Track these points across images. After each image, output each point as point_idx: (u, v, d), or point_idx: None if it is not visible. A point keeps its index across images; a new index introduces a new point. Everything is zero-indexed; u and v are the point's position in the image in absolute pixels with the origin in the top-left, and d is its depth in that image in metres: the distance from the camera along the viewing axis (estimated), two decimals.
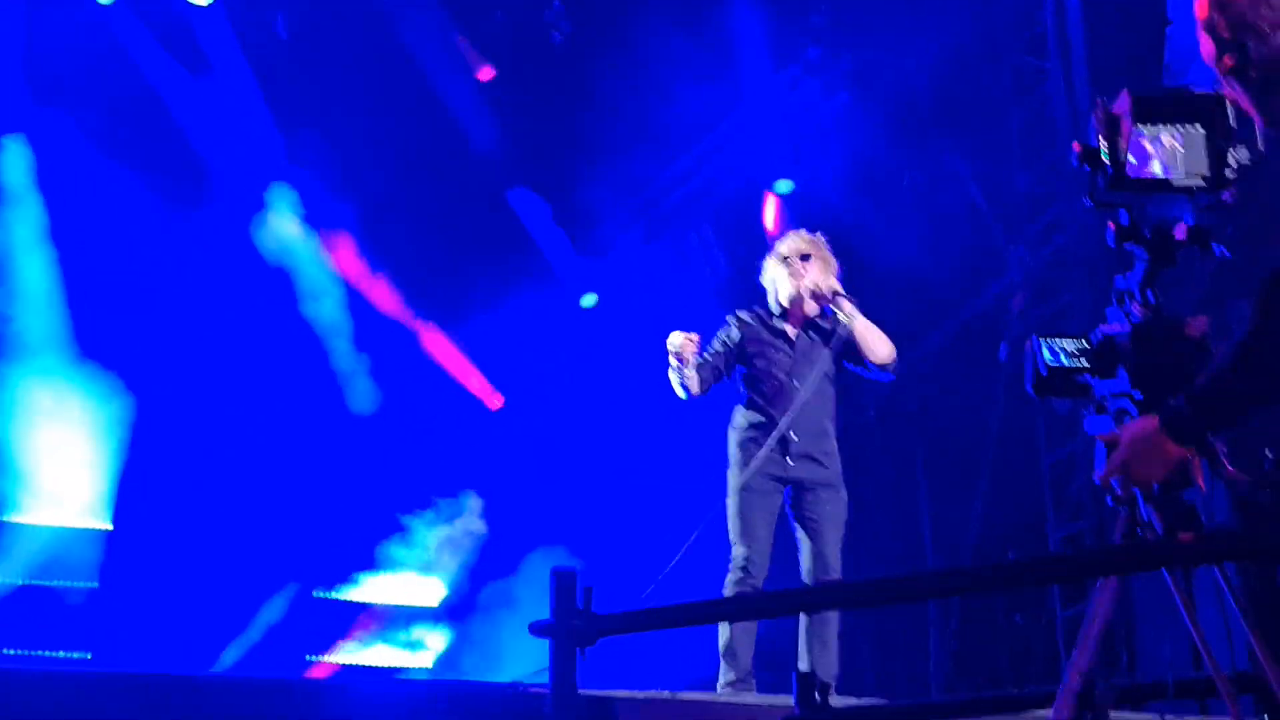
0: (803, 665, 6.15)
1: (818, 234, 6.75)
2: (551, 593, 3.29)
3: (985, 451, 10.75)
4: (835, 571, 6.28)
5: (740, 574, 6.26)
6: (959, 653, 10.97)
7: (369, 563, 11.34)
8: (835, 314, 6.47)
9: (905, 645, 11.50)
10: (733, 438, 6.52)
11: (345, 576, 11.32)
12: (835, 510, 6.36)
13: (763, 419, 6.42)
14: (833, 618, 6.23)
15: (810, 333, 6.56)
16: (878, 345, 6.44)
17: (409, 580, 11.41)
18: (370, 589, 11.36)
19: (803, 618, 6.18)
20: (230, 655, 10.40)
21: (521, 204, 12.04)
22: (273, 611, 10.81)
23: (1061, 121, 9.90)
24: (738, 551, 6.28)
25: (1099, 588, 3.32)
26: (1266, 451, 2.92)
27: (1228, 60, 2.93)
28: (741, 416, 6.53)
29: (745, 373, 6.57)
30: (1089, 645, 3.31)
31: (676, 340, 6.35)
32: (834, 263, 6.66)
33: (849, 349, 6.46)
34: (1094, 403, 3.37)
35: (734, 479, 6.39)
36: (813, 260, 6.58)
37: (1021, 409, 10.26)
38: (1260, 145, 3.18)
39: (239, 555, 10.48)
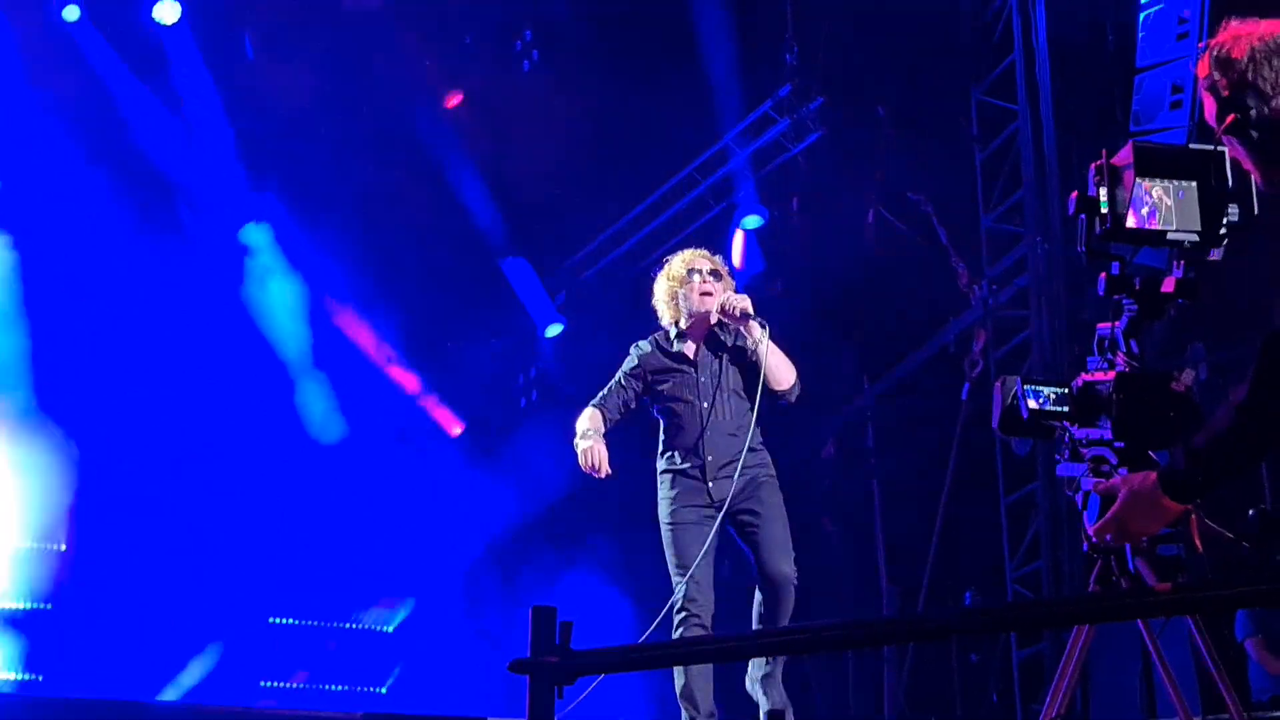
0: (762, 704, 6.08)
1: (717, 254, 6.67)
2: (530, 629, 3.27)
3: (943, 489, 10.79)
4: (786, 576, 6.12)
5: (684, 611, 6.12)
6: (913, 689, 10.99)
7: (326, 588, 11.25)
8: (744, 334, 6.27)
9: (860, 681, 11.52)
10: (658, 469, 6.37)
11: (301, 602, 11.22)
12: (770, 508, 6.16)
13: (679, 444, 6.28)
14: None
15: (711, 349, 6.39)
16: (781, 372, 6.23)
17: (366, 606, 11.34)
18: (326, 615, 11.27)
19: None
20: (185, 680, 10.29)
21: (488, 231, 12.00)
22: (228, 637, 10.71)
23: (1027, 164, 9.98)
24: (678, 587, 6.09)
25: (1074, 635, 3.34)
26: (1250, 511, 2.95)
27: (1229, 119, 2.96)
28: (661, 445, 6.38)
29: (655, 402, 6.42)
30: (1062, 692, 3.32)
31: (592, 460, 6.23)
32: (734, 284, 6.60)
33: (753, 372, 6.25)
34: (1067, 447, 3.38)
35: (663, 512, 6.23)
36: (722, 279, 6.51)
37: (981, 448, 10.33)
38: (1255, 203, 3.22)
39: (194, 579, 10.37)
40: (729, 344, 6.36)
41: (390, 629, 11.48)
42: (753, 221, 11.46)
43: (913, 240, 10.99)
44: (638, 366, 6.45)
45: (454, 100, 11.83)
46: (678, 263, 6.51)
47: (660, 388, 6.40)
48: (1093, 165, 3.33)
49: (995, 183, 10.52)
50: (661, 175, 11.89)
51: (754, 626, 6.15)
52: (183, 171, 10.87)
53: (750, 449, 6.28)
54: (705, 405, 6.28)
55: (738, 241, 11.55)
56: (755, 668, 6.14)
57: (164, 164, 10.80)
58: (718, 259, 6.55)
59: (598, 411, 6.40)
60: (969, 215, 10.68)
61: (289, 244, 11.38)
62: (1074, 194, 3.36)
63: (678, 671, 6.10)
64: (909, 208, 11.00)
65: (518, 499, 11.48)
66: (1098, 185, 3.31)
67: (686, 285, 6.43)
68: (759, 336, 6.21)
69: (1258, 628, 8.21)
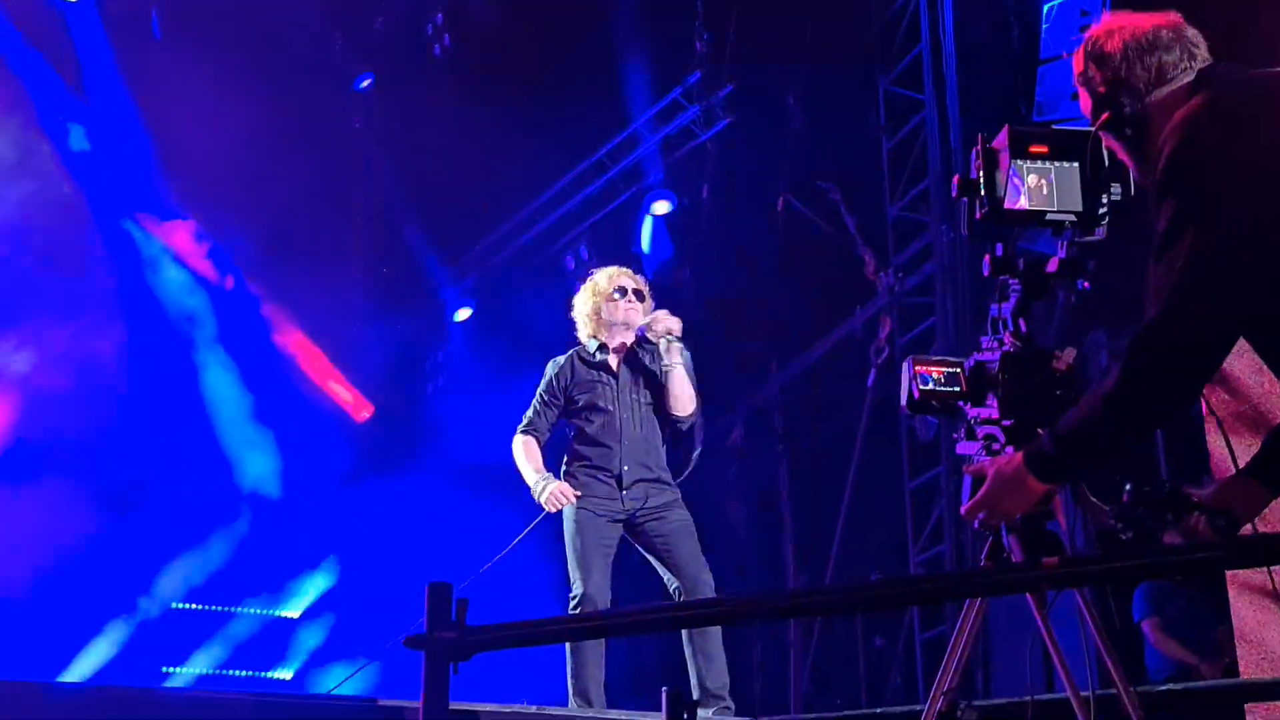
0: (692, 680, 6.13)
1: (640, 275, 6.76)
2: (426, 606, 3.26)
3: (848, 475, 10.88)
4: (706, 583, 6.22)
5: (579, 610, 6.10)
6: (818, 674, 11.08)
7: (230, 573, 11.14)
8: (660, 353, 6.38)
9: (766, 667, 11.60)
10: (564, 473, 6.42)
11: (207, 586, 11.12)
12: (680, 524, 6.26)
13: (593, 452, 6.35)
14: (714, 630, 6.17)
15: (630, 366, 6.49)
16: (683, 398, 6.35)
17: (270, 591, 11.25)
18: (231, 600, 11.17)
19: (685, 633, 6.13)
20: (85, 664, 10.17)
21: (398, 215, 11.94)
22: (130, 621, 10.59)
23: (933, 153, 10.07)
24: (575, 590, 6.16)
25: (965, 610, 3.39)
26: (1126, 485, 3.01)
27: (1104, 115, 3.00)
28: (572, 452, 6.45)
29: (571, 414, 6.49)
30: (954, 665, 3.37)
31: (559, 502, 6.26)
32: (653, 306, 6.67)
33: (660, 391, 6.41)
34: (965, 425, 3.44)
35: (570, 511, 6.26)
36: (645, 300, 6.59)
37: (885, 434, 10.43)
38: (1132, 186, 3.28)
39: (96, 563, 10.23)
40: (646, 363, 6.47)
41: (296, 614, 11.39)
42: (662, 207, 11.48)
43: (820, 228, 11.06)
44: (555, 382, 6.54)
45: (364, 83, 11.75)
46: (603, 279, 6.63)
47: (579, 399, 6.47)
48: (974, 149, 3.39)
49: (902, 172, 10.61)
50: (571, 160, 11.89)
51: (685, 642, 6.21)
52: (87, 154, 10.68)
53: (661, 467, 6.36)
54: (624, 417, 6.37)
55: (647, 227, 11.58)
56: (688, 655, 6.17)
57: (64, 145, 10.61)
58: (640, 279, 6.68)
59: (531, 439, 6.50)
60: (876, 204, 10.78)
61: (194, 228, 11.25)
62: (955, 178, 3.42)
63: (570, 670, 6.11)
64: (817, 196, 11.06)
65: (427, 482, 11.44)
66: (978, 168, 3.37)
67: (611, 302, 6.51)
68: (673, 361, 6.30)
69: (1153, 610, 8.37)
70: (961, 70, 9.84)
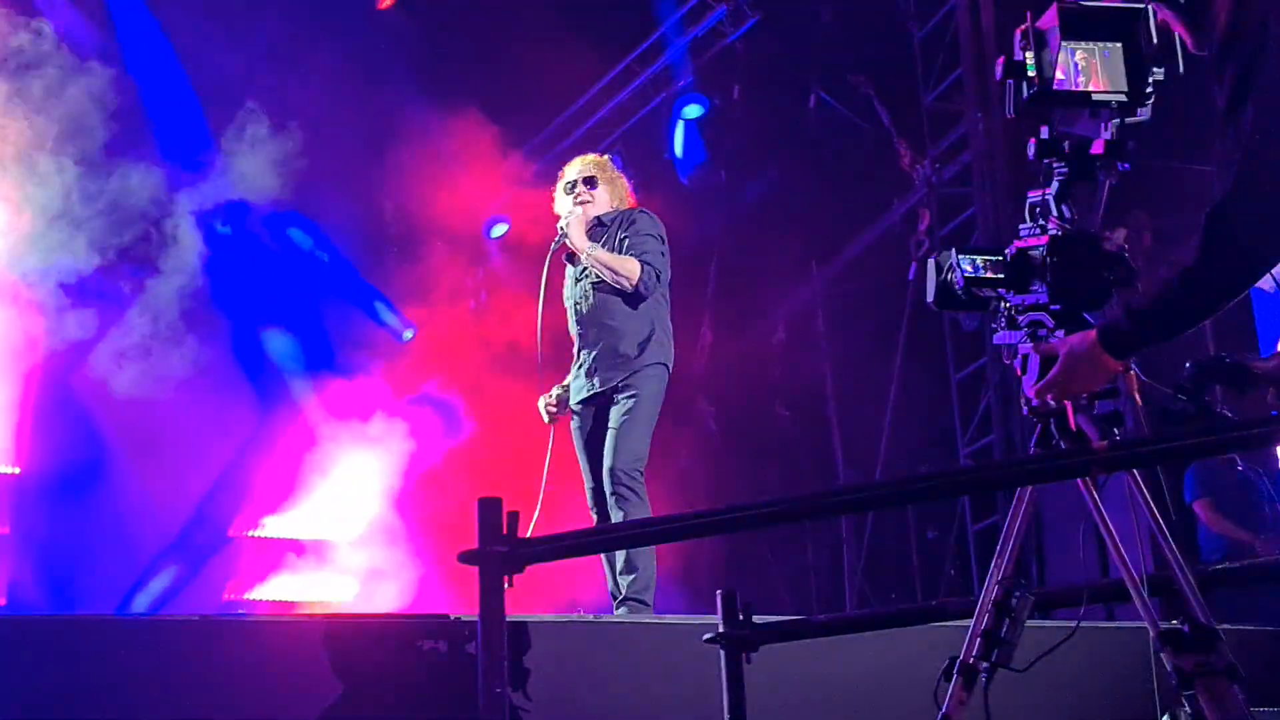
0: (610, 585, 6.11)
1: (605, 155, 6.65)
2: (478, 521, 3.28)
3: (893, 370, 10.86)
4: (614, 474, 5.94)
5: (591, 507, 6.15)
6: (872, 569, 11.13)
7: (286, 499, 11.23)
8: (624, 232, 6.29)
9: (820, 564, 11.66)
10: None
11: (262, 513, 11.20)
12: (619, 410, 6.07)
13: (573, 345, 6.35)
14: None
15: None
16: (620, 277, 6.16)
17: (327, 515, 11.31)
18: (288, 525, 11.25)
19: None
20: (146, 596, 10.30)
21: (427, 132, 11.86)
22: (190, 551, 10.71)
23: (965, 40, 9.93)
24: (586, 486, 6.19)
25: (1017, 499, 3.38)
26: (1186, 364, 2.99)
27: None
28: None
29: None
30: (1007, 555, 3.36)
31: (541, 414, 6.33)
32: (623, 181, 6.52)
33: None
34: (1003, 315, 3.41)
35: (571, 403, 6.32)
36: (599, 184, 6.48)
37: (929, 326, 10.39)
38: (1180, 63, 3.22)
39: (153, 496, 10.32)
40: (611, 244, 6.31)
41: (353, 538, 11.45)
42: (693, 111, 11.39)
43: (854, 123, 10.95)
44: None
45: (386, 2, 11.64)
46: (568, 170, 6.52)
47: (561, 290, 6.44)
48: (1018, 30, 3.33)
49: (934, 61, 10.49)
50: (600, 68, 11.77)
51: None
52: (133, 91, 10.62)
53: (623, 344, 6.25)
54: (585, 301, 6.28)
55: (679, 132, 11.49)
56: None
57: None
58: (605, 159, 6.59)
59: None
60: (909, 95, 10.66)
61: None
62: (1000, 59, 3.36)
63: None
64: (849, 90, 10.95)
65: (472, 400, 11.47)
66: (1023, 49, 3.31)
67: (569, 194, 6.42)
68: (585, 261, 6.21)
69: (1205, 490, 8.33)
70: None
